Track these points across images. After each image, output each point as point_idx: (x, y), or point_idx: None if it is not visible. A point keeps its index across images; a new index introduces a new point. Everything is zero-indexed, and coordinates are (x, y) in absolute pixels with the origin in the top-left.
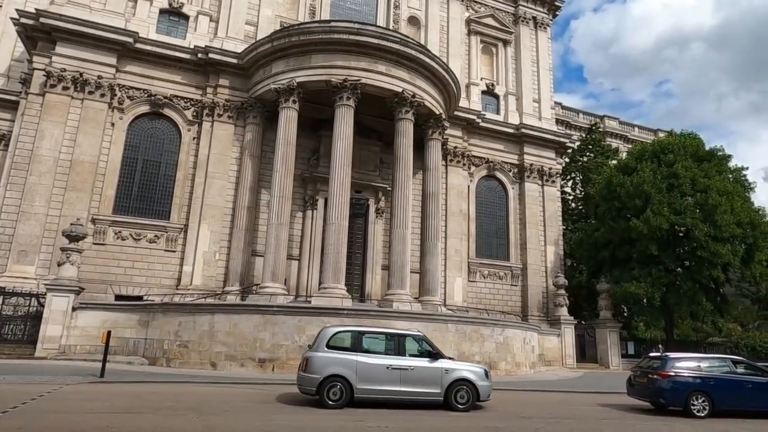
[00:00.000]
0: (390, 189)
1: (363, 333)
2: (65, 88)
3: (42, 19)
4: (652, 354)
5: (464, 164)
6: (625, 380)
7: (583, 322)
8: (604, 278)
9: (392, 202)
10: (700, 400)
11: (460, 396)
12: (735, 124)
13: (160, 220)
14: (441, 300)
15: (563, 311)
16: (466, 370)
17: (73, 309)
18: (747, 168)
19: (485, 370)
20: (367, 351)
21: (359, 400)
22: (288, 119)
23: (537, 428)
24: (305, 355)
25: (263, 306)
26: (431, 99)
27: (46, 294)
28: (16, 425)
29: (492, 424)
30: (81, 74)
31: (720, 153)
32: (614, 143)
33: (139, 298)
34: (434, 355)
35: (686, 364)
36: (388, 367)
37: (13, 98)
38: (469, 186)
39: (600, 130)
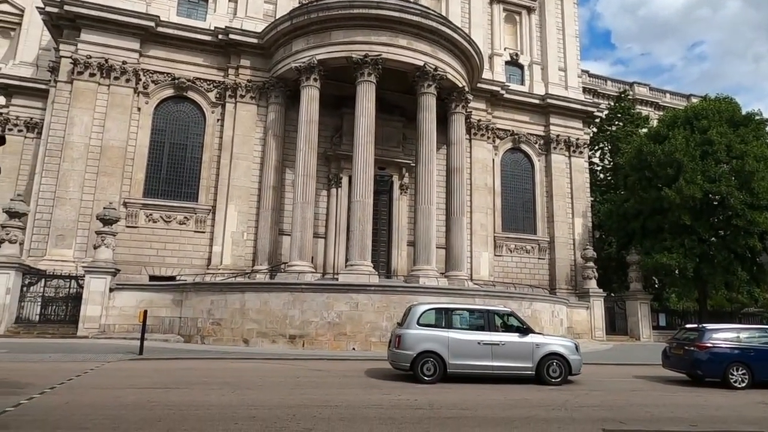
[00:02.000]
0: (414, 165)
1: (452, 310)
2: (92, 75)
3: (66, 7)
4: (688, 325)
5: (489, 137)
6: (657, 352)
7: (612, 295)
8: (634, 249)
9: (416, 178)
10: (739, 372)
11: (552, 370)
12: None
13: (188, 202)
14: (467, 275)
15: (592, 284)
16: (557, 344)
17: (111, 290)
18: None
19: (576, 344)
20: (457, 327)
21: (452, 375)
22: (310, 98)
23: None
24: (397, 332)
25: (292, 284)
26: (454, 72)
27: (84, 276)
28: (63, 400)
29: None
30: (106, 60)
31: (758, 117)
32: (644, 111)
33: (172, 278)
34: (524, 330)
35: (724, 335)
36: (479, 343)
37: (43, 87)
38: (494, 159)
39: (629, 97)
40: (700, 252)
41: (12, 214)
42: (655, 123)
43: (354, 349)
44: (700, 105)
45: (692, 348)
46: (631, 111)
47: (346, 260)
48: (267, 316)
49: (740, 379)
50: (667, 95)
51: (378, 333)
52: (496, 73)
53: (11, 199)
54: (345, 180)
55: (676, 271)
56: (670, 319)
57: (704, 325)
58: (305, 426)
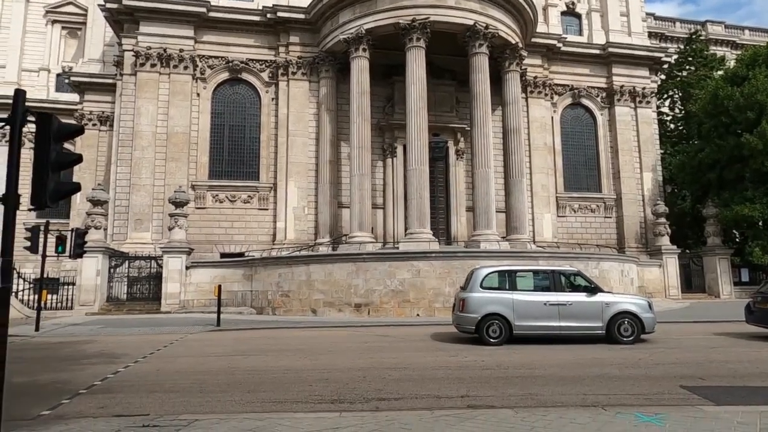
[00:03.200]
0: (469, 129)
1: (516, 272)
2: (153, 65)
3: (124, 2)
4: None
5: (546, 94)
6: (738, 309)
7: (687, 251)
8: (711, 202)
9: (472, 142)
10: None
11: (623, 329)
12: None
13: (250, 181)
14: (529, 237)
15: (664, 240)
16: (628, 302)
17: (187, 268)
18: None
19: (648, 302)
20: (521, 289)
21: (518, 337)
22: (360, 69)
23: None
24: (461, 296)
25: (354, 254)
26: (506, 28)
27: (162, 256)
28: (154, 368)
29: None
30: (165, 50)
31: None
32: (719, 51)
33: (241, 254)
34: (592, 289)
35: None
36: (545, 304)
37: (110, 81)
38: (552, 117)
39: (701, 38)
40: None
41: (95, 203)
42: (732, 64)
43: (418, 315)
44: None
45: None
46: (704, 53)
47: (406, 229)
48: (332, 287)
49: None
50: (746, 32)
51: (441, 299)
52: (551, 25)
53: (93, 189)
54: (400, 149)
55: (760, 223)
56: (754, 275)
57: None
58: (376, 387)
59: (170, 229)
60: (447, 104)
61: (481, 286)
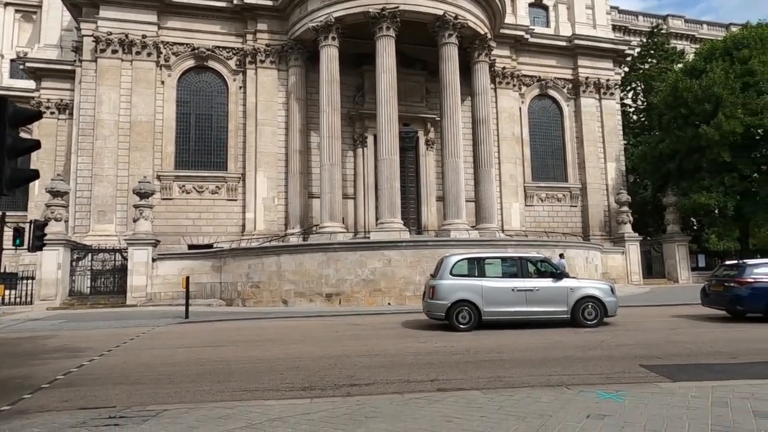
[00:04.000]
0: (439, 119)
1: (484, 259)
2: (114, 52)
3: None
4: (727, 262)
5: (514, 85)
6: (695, 293)
7: (649, 239)
8: (670, 191)
9: (442, 132)
10: None
11: (587, 313)
12: None
13: (218, 171)
14: (498, 226)
15: (627, 228)
16: (592, 287)
17: (153, 260)
18: None
19: (611, 286)
20: (490, 276)
21: (487, 322)
22: (329, 58)
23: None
24: (430, 283)
25: (325, 244)
26: (475, 19)
27: (127, 249)
28: (121, 360)
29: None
30: (126, 36)
31: None
32: (679, 45)
33: (209, 246)
34: (558, 275)
35: (766, 270)
36: (513, 290)
37: (69, 67)
38: (520, 108)
39: (663, 32)
40: (741, 189)
41: (55, 194)
42: (691, 57)
43: (389, 303)
44: (740, 34)
45: (732, 284)
46: (665, 46)
47: (377, 219)
48: (303, 277)
49: None
50: (704, 26)
51: (412, 287)
52: (519, 16)
53: (52, 179)
54: (370, 139)
55: (716, 211)
56: (710, 261)
57: (745, 261)
58: (347, 373)
59: (135, 220)
60: (417, 94)
61: (451, 274)
